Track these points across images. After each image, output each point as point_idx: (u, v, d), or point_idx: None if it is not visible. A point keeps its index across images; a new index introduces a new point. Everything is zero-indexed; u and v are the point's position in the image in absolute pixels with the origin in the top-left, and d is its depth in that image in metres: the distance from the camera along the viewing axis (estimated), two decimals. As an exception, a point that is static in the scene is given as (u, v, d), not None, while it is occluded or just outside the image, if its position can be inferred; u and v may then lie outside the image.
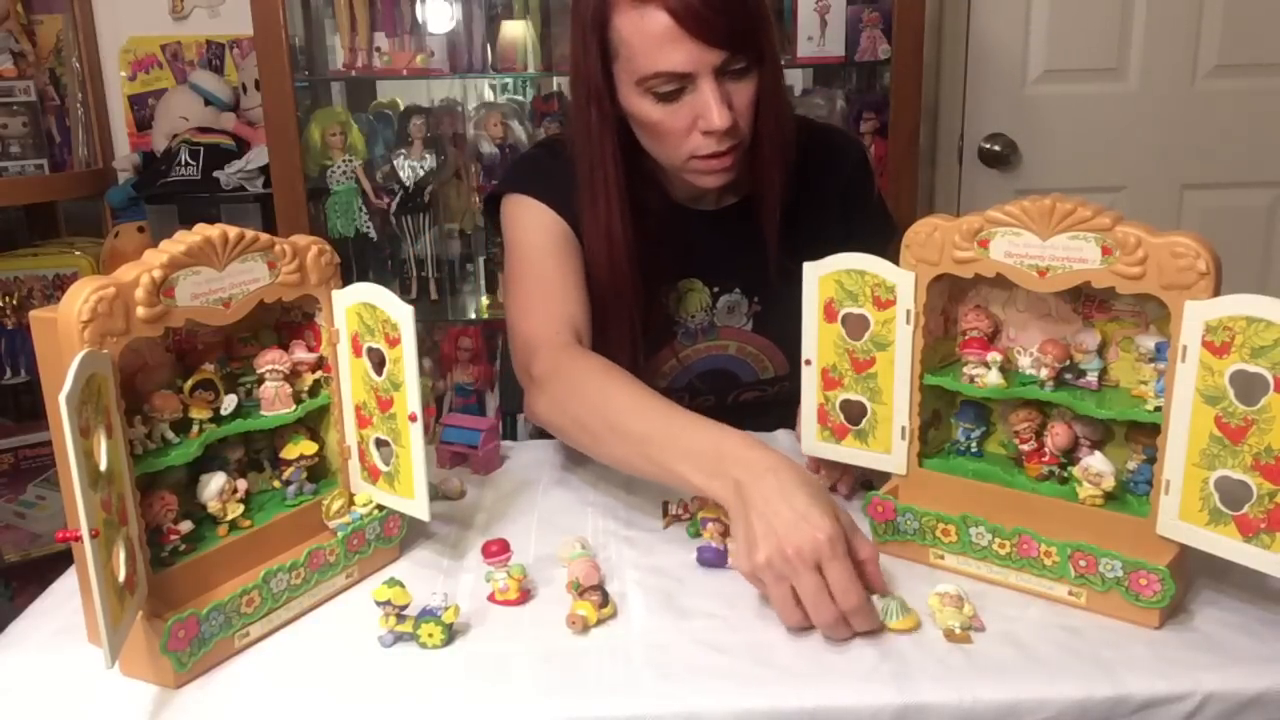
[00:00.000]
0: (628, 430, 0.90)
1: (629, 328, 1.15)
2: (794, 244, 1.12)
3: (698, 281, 1.21)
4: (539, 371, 1.03)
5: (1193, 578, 0.81)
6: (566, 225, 1.14)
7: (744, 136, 1.07)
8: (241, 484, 0.82)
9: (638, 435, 0.89)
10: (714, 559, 0.87)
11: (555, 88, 2.05)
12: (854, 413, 0.91)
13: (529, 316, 1.10)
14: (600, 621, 0.79)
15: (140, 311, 0.70)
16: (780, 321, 1.18)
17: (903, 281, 0.85)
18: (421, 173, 1.90)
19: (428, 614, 0.76)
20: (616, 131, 1.09)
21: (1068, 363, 0.84)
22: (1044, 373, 0.83)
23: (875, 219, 1.27)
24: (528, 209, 1.16)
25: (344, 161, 1.90)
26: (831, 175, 1.24)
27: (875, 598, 0.78)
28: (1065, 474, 0.84)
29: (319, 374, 0.87)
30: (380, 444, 0.85)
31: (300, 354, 0.86)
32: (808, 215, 1.18)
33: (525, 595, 0.83)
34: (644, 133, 1.09)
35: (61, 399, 0.61)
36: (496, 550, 0.85)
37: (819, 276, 0.90)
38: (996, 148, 2.18)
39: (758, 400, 1.27)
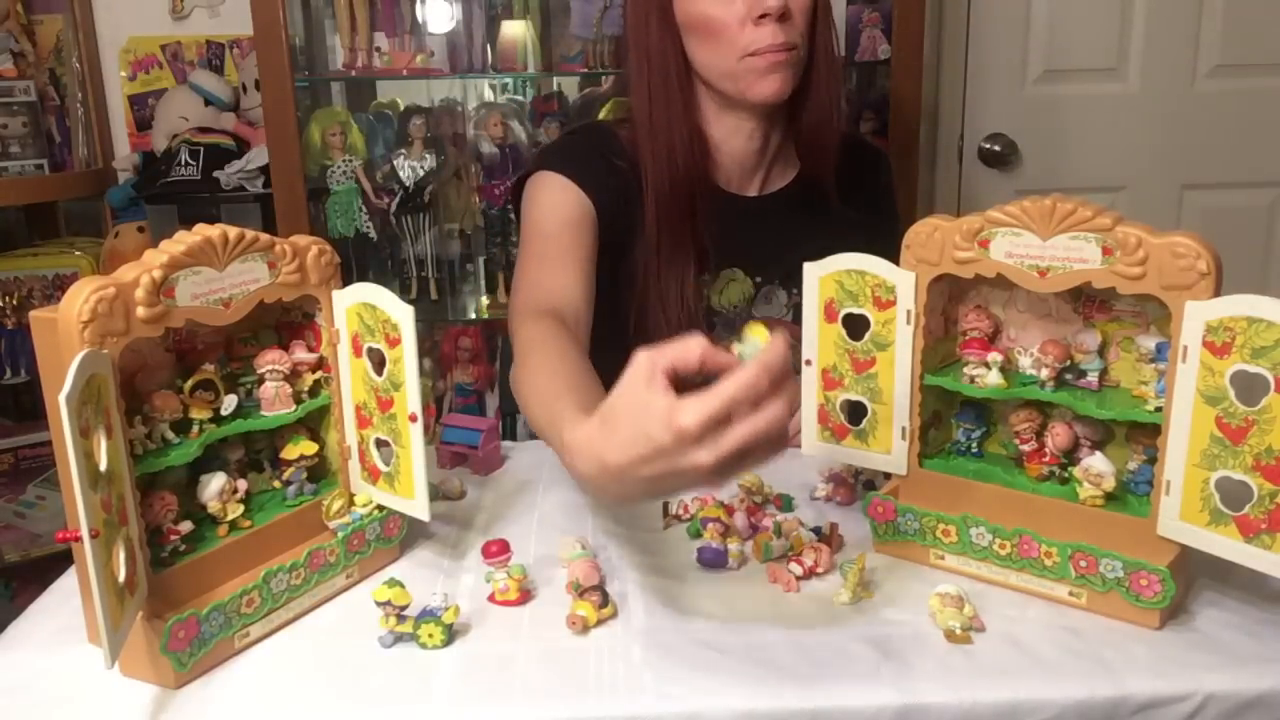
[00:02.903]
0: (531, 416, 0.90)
1: (686, 256, 1.14)
2: (831, 236, 1.14)
3: (739, 271, 1.22)
4: (513, 343, 1.04)
5: (1193, 578, 0.81)
6: (589, 203, 1.13)
7: (798, 43, 1.08)
8: (242, 484, 0.82)
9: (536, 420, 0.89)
10: (714, 559, 0.87)
11: (555, 88, 2.05)
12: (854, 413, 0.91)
13: (518, 290, 1.10)
14: (600, 622, 0.78)
15: (140, 312, 0.70)
16: None
17: (903, 282, 0.85)
18: (421, 173, 1.90)
19: (428, 614, 0.76)
20: (677, 40, 1.11)
21: (1068, 363, 0.84)
22: (1044, 373, 0.83)
23: (896, 225, 1.30)
24: (550, 185, 1.15)
25: (344, 161, 1.90)
26: (868, 180, 1.27)
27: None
28: (1066, 474, 0.84)
29: (319, 374, 0.87)
30: (380, 444, 0.85)
31: (300, 354, 0.86)
32: (846, 212, 1.21)
33: (525, 595, 0.83)
34: (699, 36, 1.10)
35: (61, 399, 0.60)
36: (496, 550, 0.85)
37: (819, 277, 0.90)
38: (996, 148, 2.18)
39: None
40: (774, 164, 1.22)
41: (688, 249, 1.14)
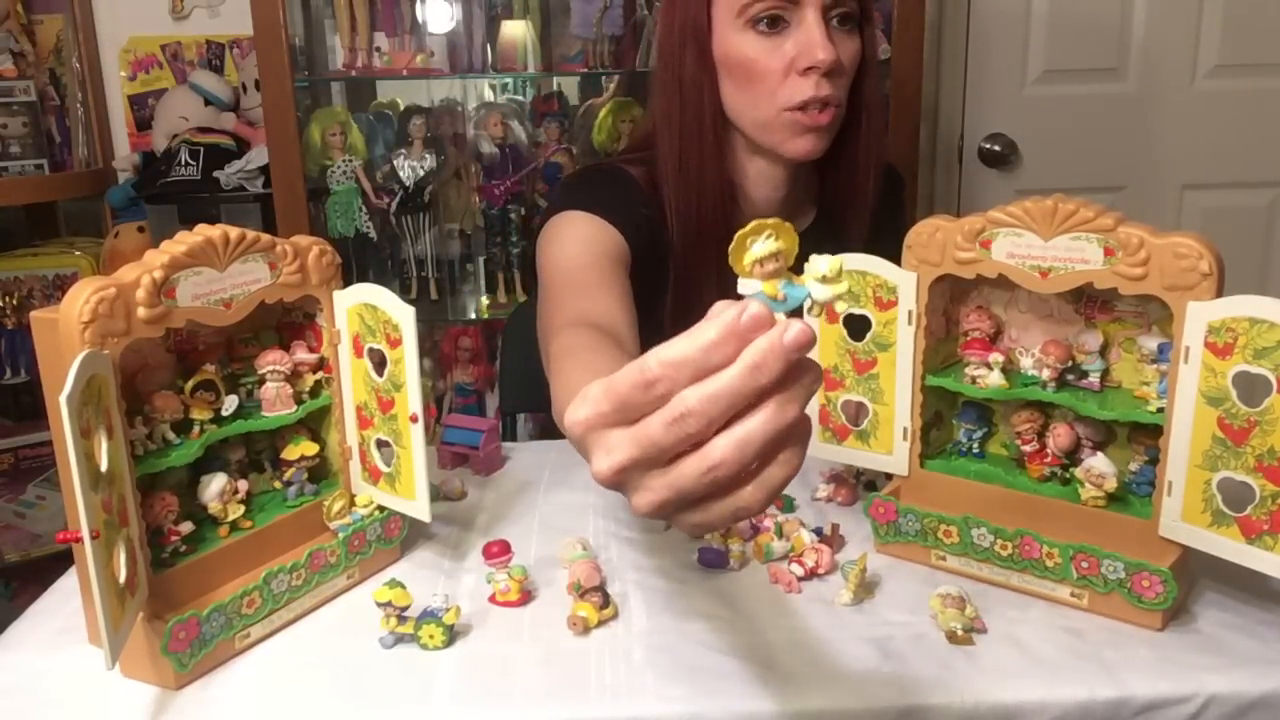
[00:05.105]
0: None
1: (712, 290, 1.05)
2: None
3: None
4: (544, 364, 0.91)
5: (1195, 579, 0.81)
6: (624, 242, 1.06)
7: (840, 101, 1.03)
8: (242, 485, 0.82)
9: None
10: (715, 560, 0.87)
11: (555, 88, 2.05)
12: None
13: (548, 324, 0.95)
14: (601, 623, 0.78)
15: (141, 312, 0.70)
16: None
17: (904, 282, 0.85)
18: (421, 173, 1.90)
19: (429, 615, 0.76)
20: (714, 78, 1.05)
21: (1070, 363, 0.84)
22: (1046, 374, 0.83)
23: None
24: (580, 221, 1.06)
25: (344, 161, 1.90)
26: (889, 204, 1.22)
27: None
28: (1067, 475, 0.84)
29: (320, 375, 0.87)
30: (381, 445, 0.85)
31: (301, 354, 0.86)
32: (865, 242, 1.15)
33: (526, 596, 0.83)
34: (736, 79, 1.04)
35: (62, 400, 0.60)
36: (497, 551, 0.85)
37: (820, 277, 0.90)
38: (996, 148, 2.18)
39: None
40: (796, 210, 1.17)
41: (712, 298, 1.10)
